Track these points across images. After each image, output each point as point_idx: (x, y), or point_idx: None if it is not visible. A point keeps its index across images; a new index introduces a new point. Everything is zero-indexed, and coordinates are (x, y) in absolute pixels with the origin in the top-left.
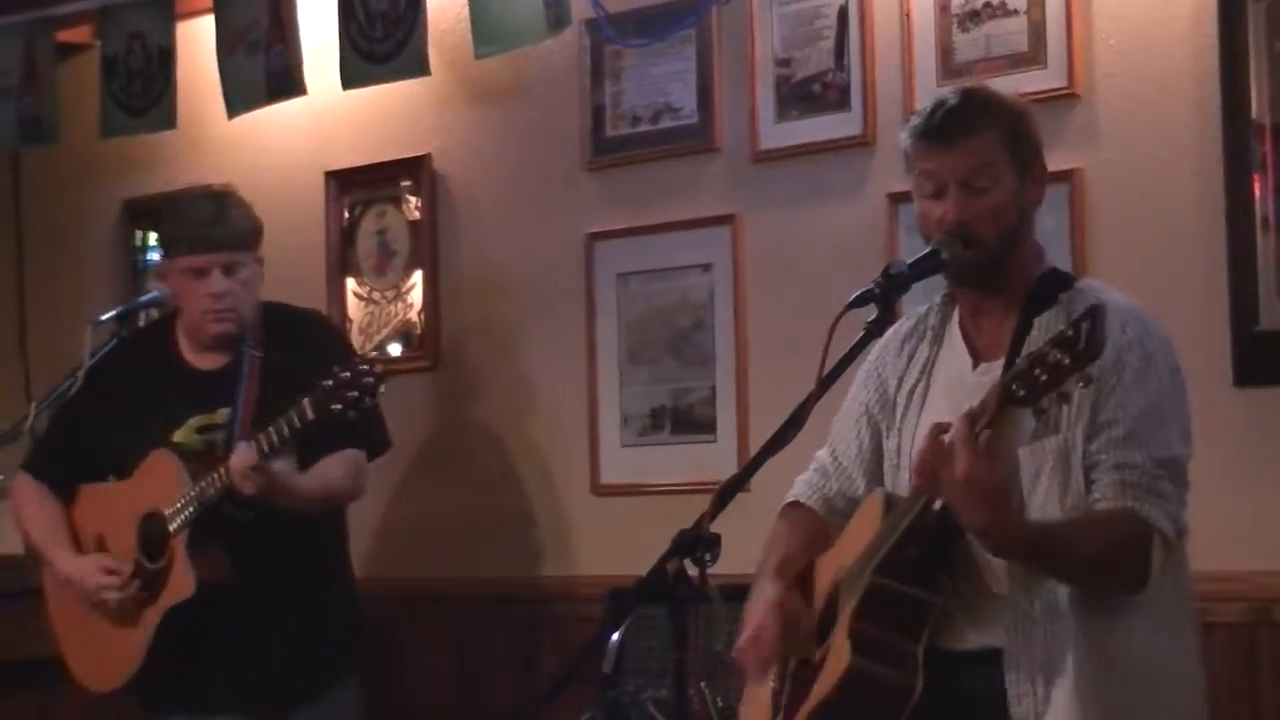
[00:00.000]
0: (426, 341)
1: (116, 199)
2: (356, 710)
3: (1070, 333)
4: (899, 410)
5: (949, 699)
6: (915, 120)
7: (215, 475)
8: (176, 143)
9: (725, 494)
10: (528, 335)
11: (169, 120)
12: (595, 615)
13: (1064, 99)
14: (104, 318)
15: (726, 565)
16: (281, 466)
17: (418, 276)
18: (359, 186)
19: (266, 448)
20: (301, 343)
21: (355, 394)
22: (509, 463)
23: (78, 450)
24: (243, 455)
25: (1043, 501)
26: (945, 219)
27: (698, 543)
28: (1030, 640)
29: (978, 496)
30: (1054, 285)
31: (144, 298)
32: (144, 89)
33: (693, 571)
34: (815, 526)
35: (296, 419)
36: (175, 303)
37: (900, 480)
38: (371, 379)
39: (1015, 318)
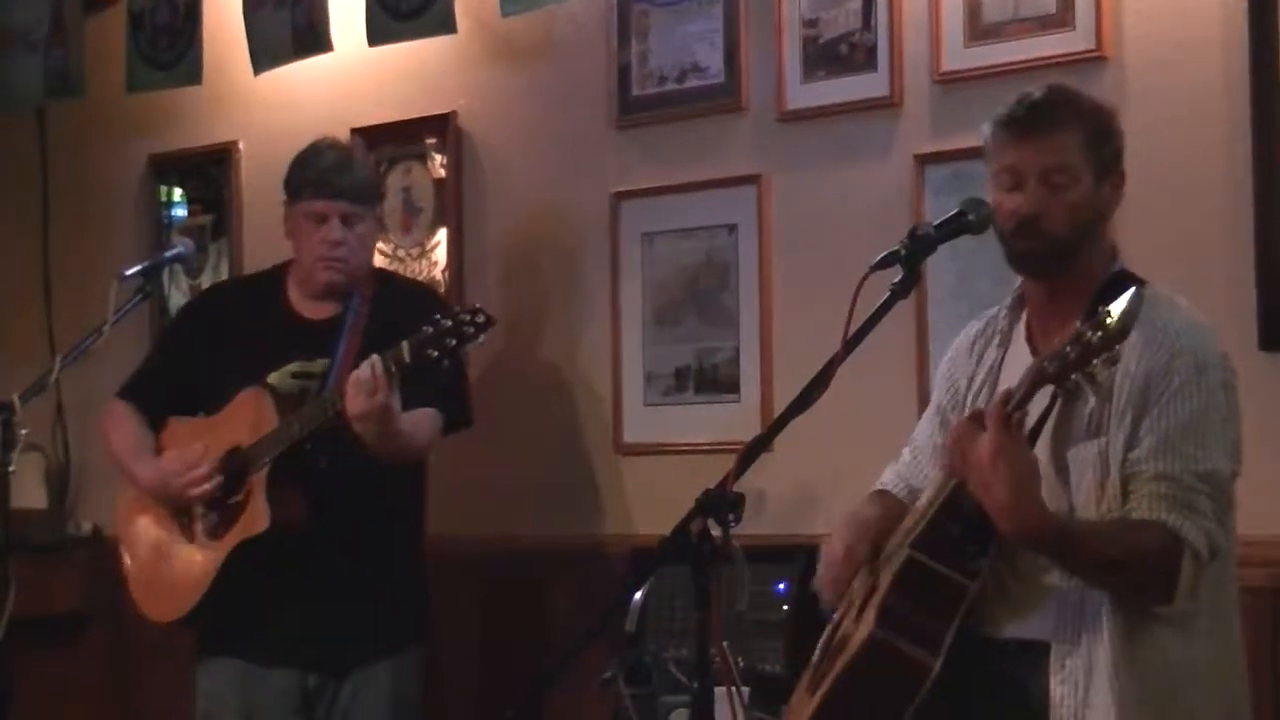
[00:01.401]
0: (450, 299)
1: (142, 154)
2: (410, 681)
3: (1104, 311)
4: (967, 411)
5: (984, 686)
6: (1000, 111)
7: (316, 402)
8: (202, 98)
9: (749, 454)
10: (552, 294)
11: (194, 75)
12: (618, 574)
13: (1092, 62)
14: (129, 273)
15: (750, 526)
16: (393, 400)
17: (442, 234)
18: (384, 143)
19: (389, 368)
20: (410, 309)
21: (453, 341)
22: (532, 422)
23: (174, 382)
24: (366, 373)
25: (1083, 504)
26: (1020, 211)
27: (721, 503)
28: (1078, 636)
29: (999, 476)
30: (1120, 288)
31: (169, 253)
32: (170, 44)
33: (716, 532)
34: (896, 505)
35: (393, 363)
36: (291, 247)
37: None
38: (472, 327)
39: (1079, 322)
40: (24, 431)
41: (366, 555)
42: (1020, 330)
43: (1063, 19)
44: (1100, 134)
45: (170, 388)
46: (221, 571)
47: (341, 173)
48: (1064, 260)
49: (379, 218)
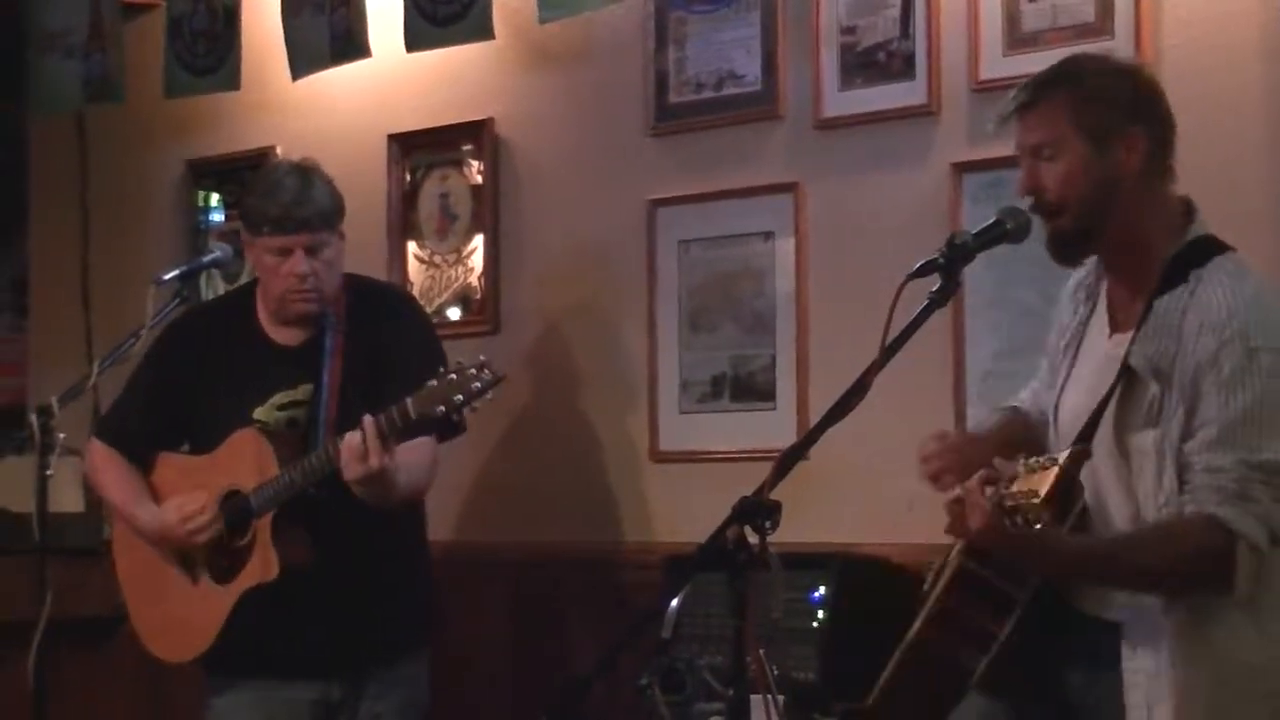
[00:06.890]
0: (486, 306)
1: (180, 159)
2: (424, 686)
3: None
4: (1057, 361)
5: (1077, 656)
6: None
7: (315, 458)
8: (240, 104)
9: (786, 462)
10: (588, 301)
11: (233, 81)
12: (654, 582)
13: None
14: (166, 277)
15: (786, 533)
16: (387, 460)
17: (479, 240)
18: (421, 149)
19: (384, 433)
20: (386, 320)
21: (460, 398)
22: (568, 428)
23: (154, 418)
24: (358, 439)
25: (1144, 494)
26: (1019, 190)
27: (758, 510)
28: (1148, 622)
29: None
30: (1191, 259)
31: (206, 257)
32: (208, 49)
33: (752, 539)
34: (1019, 422)
35: (398, 418)
36: (256, 275)
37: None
38: (479, 384)
39: (1152, 288)
40: (62, 435)
41: (372, 573)
42: (1105, 290)
43: (1101, 27)
44: (1089, 99)
45: (151, 423)
46: (232, 614)
47: (302, 204)
48: (1084, 237)
49: (342, 234)
